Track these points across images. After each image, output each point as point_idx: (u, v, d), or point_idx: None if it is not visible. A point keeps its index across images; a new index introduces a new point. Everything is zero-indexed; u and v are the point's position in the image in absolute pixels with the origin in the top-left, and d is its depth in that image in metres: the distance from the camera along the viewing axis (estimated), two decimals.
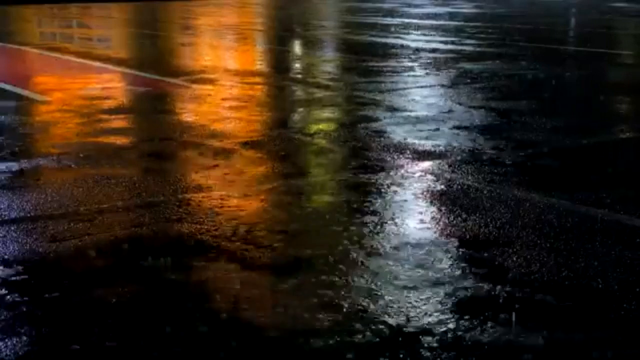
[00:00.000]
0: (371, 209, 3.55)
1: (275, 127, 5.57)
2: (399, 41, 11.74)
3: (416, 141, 4.88)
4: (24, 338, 2.32)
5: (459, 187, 3.89)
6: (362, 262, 2.90)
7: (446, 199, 3.69)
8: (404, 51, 10.32)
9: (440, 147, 4.71)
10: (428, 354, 2.21)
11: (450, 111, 5.93)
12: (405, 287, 2.67)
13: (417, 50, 10.36)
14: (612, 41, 13.29)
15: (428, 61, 9.12)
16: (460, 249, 3.03)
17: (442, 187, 3.89)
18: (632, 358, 2.24)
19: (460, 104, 6.26)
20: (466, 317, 2.44)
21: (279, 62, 10.17)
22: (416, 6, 21.72)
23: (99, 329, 2.39)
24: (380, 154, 4.55)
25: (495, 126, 5.44)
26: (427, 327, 2.37)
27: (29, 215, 3.48)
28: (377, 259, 2.93)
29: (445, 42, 11.42)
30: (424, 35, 12.85)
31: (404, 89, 7.14)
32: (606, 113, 6.28)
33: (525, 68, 8.61)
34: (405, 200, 3.69)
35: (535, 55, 9.95)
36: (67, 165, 4.37)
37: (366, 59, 9.61)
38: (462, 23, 15.46)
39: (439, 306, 2.52)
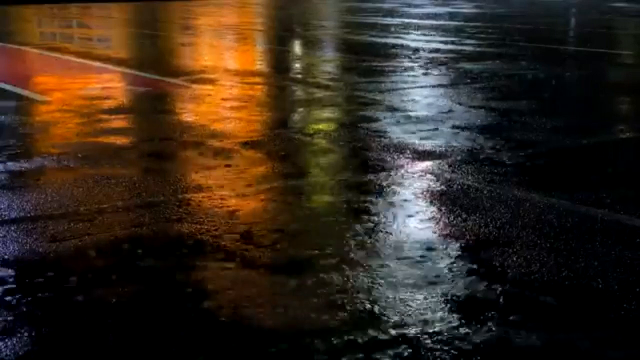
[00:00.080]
0: (371, 209, 3.55)
1: (275, 127, 5.57)
2: (399, 41, 11.74)
3: (416, 141, 4.88)
4: (24, 338, 2.32)
5: (459, 187, 3.89)
6: (362, 262, 2.90)
7: (446, 199, 3.69)
8: (404, 51, 10.32)
9: (440, 147, 4.71)
10: (428, 354, 2.21)
11: (450, 111, 5.93)
12: (404, 287, 2.67)
13: (417, 50, 10.37)
14: (612, 41, 13.29)
15: (428, 61, 9.12)
16: (460, 249, 3.03)
17: (442, 187, 3.89)
18: (632, 358, 2.24)
19: (460, 104, 6.26)
20: (466, 317, 2.44)
21: (279, 62, 10.17)
22: (416, 6, 21.72)
23: (99, 329, 2.39)
24: (380, 154, 4.55)
25: (495, 126, 5.44)
26: (427, 327, 2.37)
27: (29, 215, 3.48)
28: (377, 259, 2.93)
29: (445, 42, 11.43)
30: (424, 35, 12.85)
31: (404, 88, 7.14)
32: (606, 113, 6.28)
33: (525, 68, 8.61)
34: (405, 200, 3.69)
35: (535, 55, 9.95)
36: (67, 165, 4.37)
37: (366, 59, 9.61)
38: (462, 23, 15.47)
39: (439, 306, 2.52)
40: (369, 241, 3.12)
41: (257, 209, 3.60)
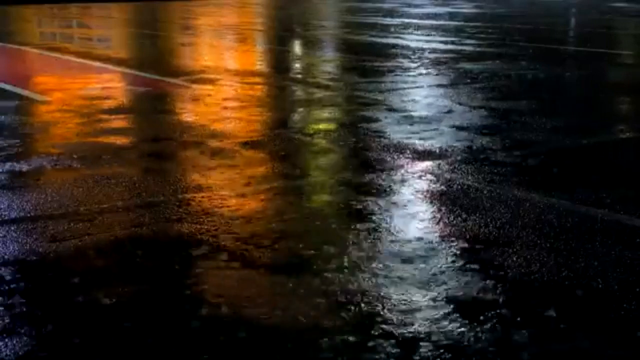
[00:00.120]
0: (371, 208, 3.55)
1: (276, 127, 5.57)
2: (399, 41, 11.75)
3: (416, 141, 4.88)
4: (24, 338, 2.32)
5: (459, 187, 3.89)
6: (362, 262, 2.90)
7: (446, 199, 3.69)
8: (404, 51, 10.32)
9: (440, 147, 4.71)
10: (428, 353, 2.21)
11: (450, 111, 5.93)
12: (404, 287, 2.67)
13: (417, 50, 10.37)
14: (612, 41, 13.29)
15: (428, 61, 9.12)
16: (460, 249, 3.03)
17: (442, 187, 3.89)
18: (632, 358, 2.24)
19: (460, 104, 6.26)
20: (466, 316, 2.44)
21: (279, 62, 10.17)
22: (416, 6, 21.72)
23: (99, 329, 2.39)
24: (380, 154, 4.55)
25: (495, 126, 5.44)
26: (426, 326, 2.37)
27: (29, 215, 3.48)
28: (377, 259, 2.93)
29: (445, 42, 11.43)
30: (424, 35, 12.85)
31: (404, 88, 7.14)
32: (606, 113, 6.28)
33: (525, 68, 8.61)
34: (405, 200, 3.69)
35: (535, 55, 9.95)
36: (67, 165, 4.37)
37: (366, 59, 9.61)
38: (462, 23, 15.47)
39: (439, 306, 2.52)
40: (369, 241, 3.12)
41: (257, 209, 3.60)
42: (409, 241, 3.12)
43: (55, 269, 2.87)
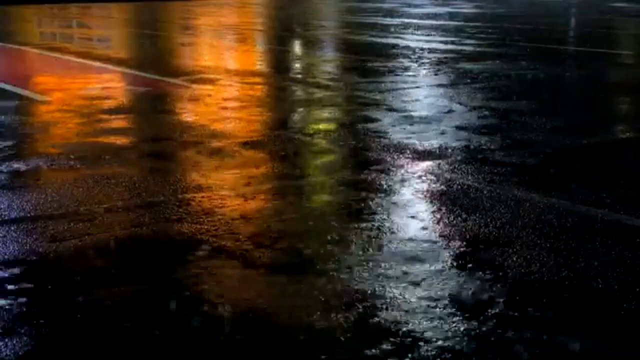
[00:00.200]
0: (371, 208, 3.55)
1: (275, 127, 5.57)
2: (399, 41, 11.75)
3: (416, 141, 4.88)
4: (24, 338, 2.32)
5: (459, 187, 3.89)
6: (362, 261, 2.90)
7: (446, 199, 3.69)
8: (404, 51, 10.32)
9: (440, 147, 4.71)
10: (427, 353, 2.21)
11: (450, 111, 5.93)
12: (404, 287, 2.67)
13: (417, 50, 10.36)
14: (612, 41, 13.29)
15: (428, 61, 9.12)
16: (460, 249, 3.03)
17: (442, 187, 3.89)
18: (632, 358, 2.24)
19: (460, 104, 6.26)
20: (466, 316, 2.44)
21: (279, 62, 10.17)
22: (416, 6, 21.72)
23: (99, 329, 2.39)
24: (380, 154, 4.55)
25: (495, 126, 5.44)
26: (426, 326, 2.37)
27: (29, 215, 3.48)
28: (377, 259, 2.93)
29: (445, 42, 11.42)
30: (424, 35, 12.85)
31: (404, 88, 7.14)
32: (606, 113, 6.28)
33: (525, 68, 8.61)
34: (406, 200, 3.69)
35: (535, 55, 9.95)
36: (67, 165, 4.37)
37: (366, 59, 9.61)
38: (462, 23, 15.46)
39: (439, 306, 2.52)
40: (369, 241, 3.12)
41: (257, 209, 3.60)
42: (409, 241, 3.12)
43: (55, 269, 2.87)
